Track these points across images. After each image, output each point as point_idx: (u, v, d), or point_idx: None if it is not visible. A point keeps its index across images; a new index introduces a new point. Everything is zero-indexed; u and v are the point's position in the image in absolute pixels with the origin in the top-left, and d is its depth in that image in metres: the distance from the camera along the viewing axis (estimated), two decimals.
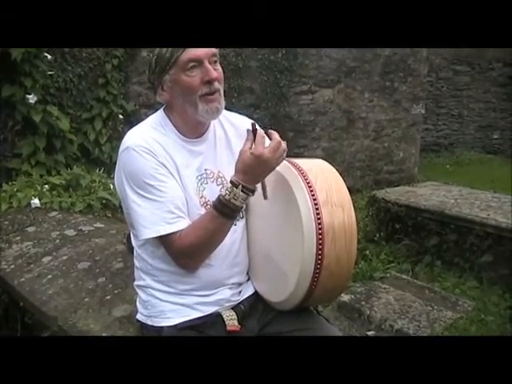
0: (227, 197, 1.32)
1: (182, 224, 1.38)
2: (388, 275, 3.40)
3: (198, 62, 1.38)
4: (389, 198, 4.03)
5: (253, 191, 1.34)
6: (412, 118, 6.68)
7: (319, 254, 1.32)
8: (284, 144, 1.35)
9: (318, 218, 1.32)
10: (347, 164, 6.02)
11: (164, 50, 1.38)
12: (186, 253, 1.40)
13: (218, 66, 1.44)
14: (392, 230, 3.96)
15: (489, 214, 3.48)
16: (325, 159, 1.54)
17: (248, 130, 1.36)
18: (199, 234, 1.37)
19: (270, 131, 1.36)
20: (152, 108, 4.39)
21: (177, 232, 1.37)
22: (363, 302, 2.95)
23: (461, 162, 8.53)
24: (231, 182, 1.33)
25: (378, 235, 3.96)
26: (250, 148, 1.32)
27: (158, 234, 1.37)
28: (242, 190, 1.32)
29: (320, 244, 1.32)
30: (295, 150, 5.52)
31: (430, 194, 4.06)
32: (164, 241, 1.40)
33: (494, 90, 9.49)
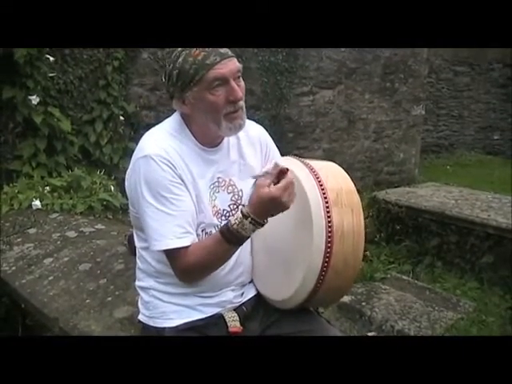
0: (235, 226, 1.31)
1: (189, 240, 1.37)
2: (389, 276, 3.39)
3: (224, 81, 1.35)
4: (389, 199, 4.04)
5: (262, 225, 1.32)
6: (412, 119, 6.68)
7: (327, 252, 1.32)
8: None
9: (328, 217, 1.33)
10: (347, 165, 6.02)
11: (187, 65, 1.35)
12: (188, 270, 1.40)
13: (241, 81, 1.41)
14: (392, 231, 3.97)
15: (489, 215, 3.48)
16: (326, 160, 1.54)
17: (275, 165, 1.32)
18: (202, 255, 1.37)
19: (284, 167, 1.32)
20: (153, 110, 4.41)
21: (183, 248, 1.36)
22: (364, 303, 2.95)
23: (461, 163, 8.54)
24: (241, 212, 1.31)
25: (378, 236, 3.96)
26: (269, 184, 1.29)
27: (167, 248, 1.37)
28: (250, 222, 1.30)
29: (329, 242, 1.32)
30: (295, 152, 5.52)
31: (430, 195, 4.07)
32: (169, 254, 1.39)
33: (495, 91, 9.50)
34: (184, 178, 1.40)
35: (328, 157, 5.78)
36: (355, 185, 1.43)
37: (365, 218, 1.41)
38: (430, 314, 2.83)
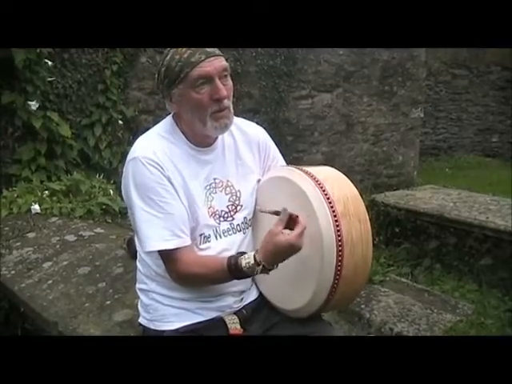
0: (245, 269, 1.32)
1: (177, 242, 1.37)
2: (388, 278, 3.39)
3: (208, 79, 1.35)
4: (388, 202, 4.04)
5: (270, 270, 1.33)
6: (411, 121, 6.70)
7: (338, 266, 1.32)
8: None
9: (338, 230, 1.32)
10: (346, 168, 6.03)
11: (173, 62, 1.35)
12: (182, 277, 1.42)
13: (229, 81, 1.40)
14: (391, 234, 3.98)
15: (488, 217, 3.49)
16: (324, 163, 1.54)
17: (284, 211, 1.31)
18: (202, 272, 1.39)
19: (294, 214, 1.32)
20: (152, 114, 4.42)
21: (174, 250, 1.37)
22: (363, 306, 2.94)
23: (460, 166, 8.56)
24: (254, 258, 1.31)
25: (377, 239, 3.96)
26: (282, 231, 1.29)
27: (152, 249, 1.38)
28: (262, 270, 1.31)
29: (340, 256, 1.32)
30: (294, 155, 5.53)
31: (429, 198, 4.07)
32: (162, 256, 1.41)
33: (493, 94, 9.53)
34: (173, 180, 1.39)
35: (327, 160, 5.79)
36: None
37: None
38: (429, 317, 2.83)
